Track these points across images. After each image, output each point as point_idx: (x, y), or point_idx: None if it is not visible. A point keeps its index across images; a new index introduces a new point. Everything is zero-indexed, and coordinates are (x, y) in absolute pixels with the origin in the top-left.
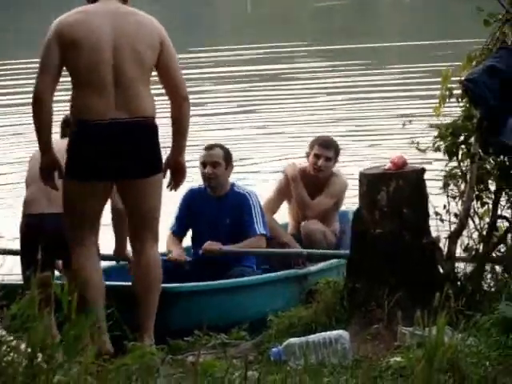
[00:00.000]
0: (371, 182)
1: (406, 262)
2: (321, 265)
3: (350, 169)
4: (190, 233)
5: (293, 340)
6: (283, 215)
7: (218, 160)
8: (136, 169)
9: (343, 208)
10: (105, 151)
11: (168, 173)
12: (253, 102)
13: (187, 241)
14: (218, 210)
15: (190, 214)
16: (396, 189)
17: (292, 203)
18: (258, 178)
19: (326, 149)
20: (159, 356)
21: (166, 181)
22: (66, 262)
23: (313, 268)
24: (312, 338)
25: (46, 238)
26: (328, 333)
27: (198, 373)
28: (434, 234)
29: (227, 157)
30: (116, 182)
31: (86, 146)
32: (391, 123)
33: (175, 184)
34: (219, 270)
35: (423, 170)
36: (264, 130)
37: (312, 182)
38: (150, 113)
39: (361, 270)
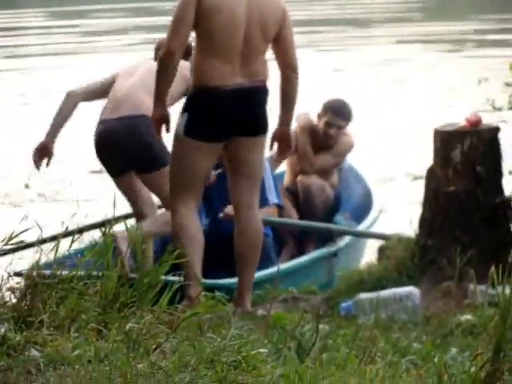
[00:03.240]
0: (445, 139)
1: (478, 221)
2: (347, 240)
3: (422, 128)
4: None
5: (363, 295)
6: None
7: None
8: (251, 127)
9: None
10: (228, 115)
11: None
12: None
13: None
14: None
15: None
16: (470, 146)
17: (293, 155)
18: None
19: (340, 118)
20: (230, 308)
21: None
22: (140, 170)
23: (341, 244)
24: (382, 293)
25: (117, 142)
26: (398, 289)
27: (268, 325)
28: (507, 192)
29: None
30: (229, 141)
31: (212, 110)
32: (466, 80)
33: (282, 154)
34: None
35: (498, 129)
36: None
37: (319, 141)
38: (265, 76)
39: (433, 228)
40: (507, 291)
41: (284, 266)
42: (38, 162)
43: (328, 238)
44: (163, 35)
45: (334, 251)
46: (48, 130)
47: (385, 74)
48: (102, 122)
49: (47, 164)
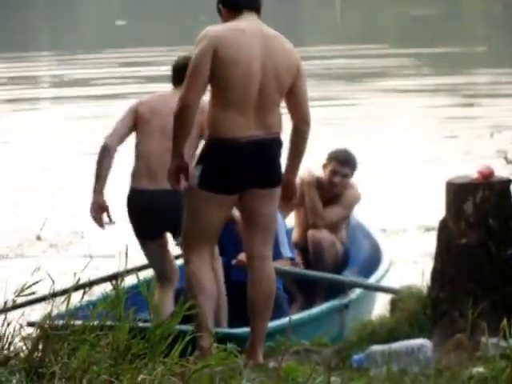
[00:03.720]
0: (458, 192)
1: (490, 273)
2: (359, 292)
3: (434, 180)
4: None
5: (375, 347)
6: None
7: None
8: (266, 179)
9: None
10: (242, 167)
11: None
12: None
13: None
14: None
15: None
16: (482, 199)
17: (300, 210)
18: None
19: (344, 166)
20: (242, 360)
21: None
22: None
23: (353, 296)
24: (394, 346)
25: (151, 213)
26: (411, 341)
27: (280, 377)
28: None
29: None
30: (244, 192)
31: (227, 162)
32: (479, 132)
33: (285, 201)
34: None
35: (510, 181)
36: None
37: (325, 193)
38: (280, 128)
39: (445, 280)
40: None
41: (295, 317)
42: (99, 221)
43: (340, 290)
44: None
45: (346, 303)
46: (94, 188)
47: (396, 125)
48: (141, 192)
49: (109, 218)
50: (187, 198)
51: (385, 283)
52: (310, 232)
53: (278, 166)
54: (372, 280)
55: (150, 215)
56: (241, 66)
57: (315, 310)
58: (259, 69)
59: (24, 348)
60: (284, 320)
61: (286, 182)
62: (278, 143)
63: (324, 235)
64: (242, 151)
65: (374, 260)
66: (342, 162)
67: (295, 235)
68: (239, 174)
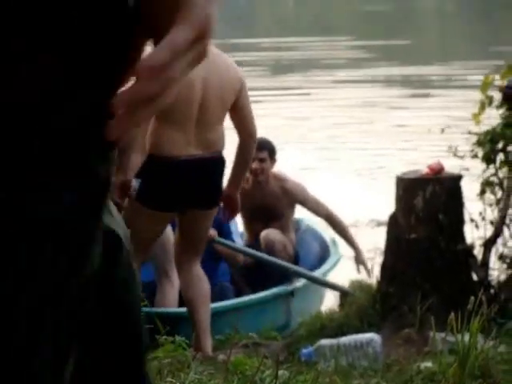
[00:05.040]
0: (408, 187)
1: (439, 268)
2: (304, 281)
3: (385, 175)
4: None
5: (324, 341)
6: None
7: None
8: (206, 200)
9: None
10: (182, 185)
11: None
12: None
13: None
14: None
15: None
16: (432, 194)
17: (245, 216)
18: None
19: (258, 150)
20: (190, 352)
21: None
22: None
23: (298, 284)
24: (343, 340)
25: None
26: (359, 335)
27: (228, 370)
28: (468, 240)
29: None
30: (181, 211)
31: (164, 180)
32: (430, 124)
33: (230, 216)
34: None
35: (460, 177)
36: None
37: (259, 190)
38: (221, 147)
39: (394, 275)
40: (466, 339)
41: (241, 300)
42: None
43: (284, 277)
44: None
45: (291, 290)
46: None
47: (347, 117)
48: None
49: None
50: (127, 203)
51: (334, 280)
52: (264, 233)
53: (218, 186)
54: (318, 273)
55: None
56: (182, 82)
57: (260, 294)
58: (201, 85)
59: None
60: (228, 302)
61: (228, 196)
62: (219, 162)
63: (277, 237)
64: (179, 170)
65: (322, 262)
66: (256, 148)
67: (246, 238)
68: (177, 193)
